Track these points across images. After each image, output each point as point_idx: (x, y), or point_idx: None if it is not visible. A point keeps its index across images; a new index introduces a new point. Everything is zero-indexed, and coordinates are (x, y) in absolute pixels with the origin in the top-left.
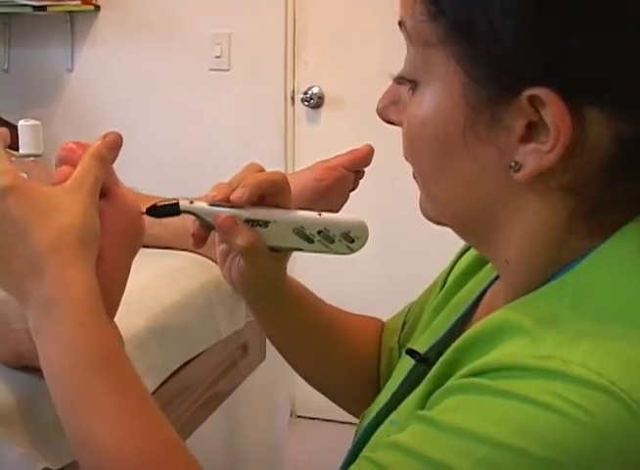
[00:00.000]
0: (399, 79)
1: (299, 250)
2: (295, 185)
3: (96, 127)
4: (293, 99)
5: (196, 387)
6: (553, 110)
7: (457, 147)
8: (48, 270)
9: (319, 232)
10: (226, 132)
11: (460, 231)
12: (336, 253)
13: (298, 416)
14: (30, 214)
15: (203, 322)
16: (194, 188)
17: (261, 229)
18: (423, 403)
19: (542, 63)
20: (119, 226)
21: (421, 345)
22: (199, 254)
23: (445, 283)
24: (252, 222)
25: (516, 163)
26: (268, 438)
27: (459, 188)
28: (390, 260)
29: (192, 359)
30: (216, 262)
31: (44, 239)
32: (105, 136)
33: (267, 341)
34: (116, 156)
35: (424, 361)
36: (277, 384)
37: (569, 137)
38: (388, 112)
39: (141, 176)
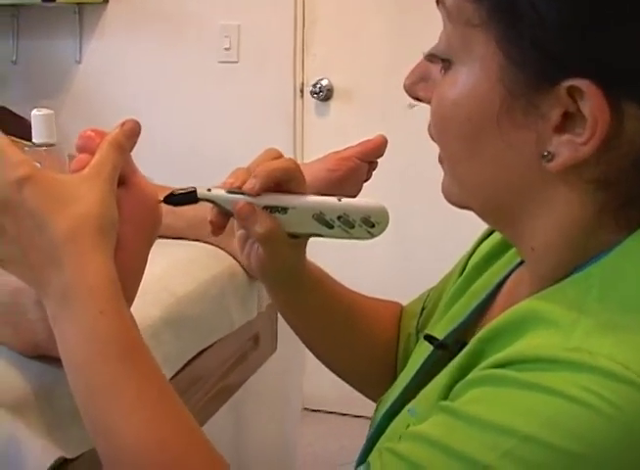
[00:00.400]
0: (431, 57)
1: (319, 235)
2: (307, 176)
3: (104, 119)
4: (302, 91)
5: (207, 378)
6: (592, 102)
7: (490, 130)
8: (66, 260)
9: (339, 217)
10: (235, 125)
11: (485, 216)
12: (356, 238)
13: (308, 409)
14: (48, 204)
15: (216, 313)
16: (203, 180)
17: (280, 215)
18: (445, 394)
19: (585, 54)
20: (137, 215)
21: (439, 331)
22: (212, 244)
23: (465, 269)
24: (271, 209)
25: (549, 152)
26: (279, 432)
27: (488, 172)
28: (404, 246)
29: (204, 350)
30: (229, 253)
31: (62, 229)
32: (123, 124)
33: (279, 332)
34: (134, 144)
35: (442, 347)
36: (288, 377)
37: (605, 131)
38: (417, 88)
39: (150, 169)
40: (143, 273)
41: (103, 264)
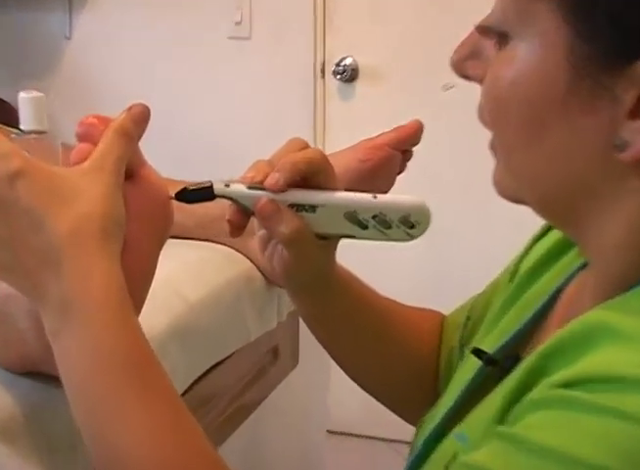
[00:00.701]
0: (483, 30)
1: (351, 237)
2: (335, 168)
3: (99, 103)
4: (323, 71)
5: (221, 396)
6: None
7: (552, 113)
8: (66, 265)
9: (374, 217)
10: (246, 110)
11: (544, 212)
12: (393, 240)
13: (333, 432)
14: (44, 202)
15: (230, 322)
16: (211, 171)
17: (308, 214)
18: (501, 417)
19: None
20: (147, 213)
21: (488, 344)
22: (225, 245)
23: (516, 274)
24: (298, 207)
25: (621, 141)
26: (300, 456)
27: (549, 162)
28: (440, 248)
29: (217, 365)
30: (245, 255)
31: (61, 230)
32: (130, 108)
33: (301, 344)
34: (143, 131)
35: (492, 363)
36: (311, 394)
37: None
38: (466, 65)
39: (152, 157)
40: (152, 278)
41: (108, 270)
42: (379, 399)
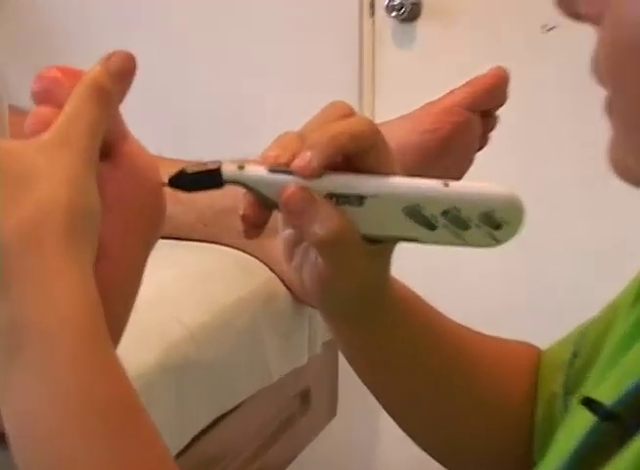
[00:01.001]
0: None
1: (412, 240)
2: (389, 142)
3: (64, 50)
4: (372, 7)
5: (233, 457)
6: None
7: None
8: (15, 276)
9: (445, 213)
10: (268, 63)
11: None
12: (470, 245)
13: None
14: None
15: (243, 357)
16: (220, 147)
17: (353, 208)
18: None
19: None
20: (130, 204)
21: (605, 392)
22: (236, 248)
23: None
24: (338, 198)
25: None
26: None
27: None
28: (533, 255)
29: (226, 414)
30: (265, 262)
31: (8, 226)
32: (109, 57)
33: (340, 386)
34: (127, 89)
35: (611, 418)
36: (353, 452)
37: None
38: (578, 2)
39: (140, 131)
40: (137, 293)
41: (77, 283)
42: (441, 459)
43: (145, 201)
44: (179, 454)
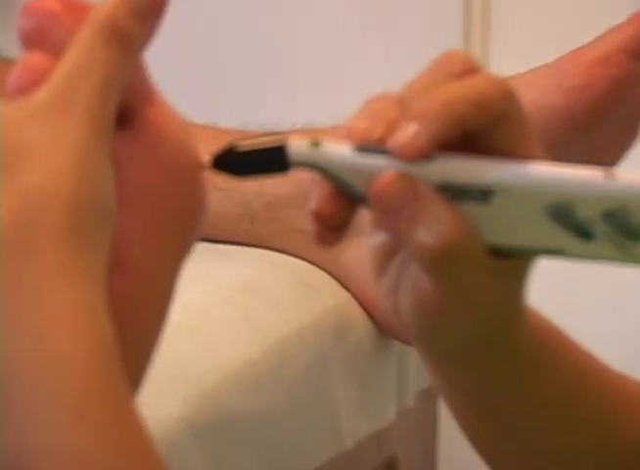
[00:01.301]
0: None
1: (556, 253)
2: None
3: None
4: None
5: None
6: None
7: None
8: (9, 298)
9: (607, 215)
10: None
11: None
12: (637, 262)
13: None
14: None
15: (304, 411)
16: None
17: (475, 207)
18: None
19: None
20: (155, 193)
21: None
22: (298, 257)
23: None
24: (455, 192)
25: None
26: None
27: None
28: None
29: None
30: (337, 278)
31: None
32: None
33: (439, 449)
34: (152, 33)
35: None
36: None
37: None
38: None
39: (172, 89)
40: (165, 319)
41: (80, 303)
42: None
43: (177, 188)
44: None
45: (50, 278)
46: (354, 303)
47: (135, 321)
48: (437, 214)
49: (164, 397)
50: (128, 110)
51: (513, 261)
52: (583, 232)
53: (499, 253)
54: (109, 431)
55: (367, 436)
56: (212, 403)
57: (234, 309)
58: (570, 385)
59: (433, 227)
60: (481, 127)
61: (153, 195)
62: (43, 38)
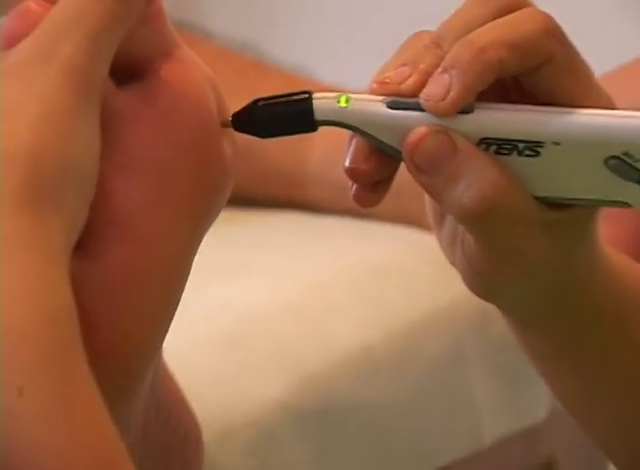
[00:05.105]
0: None
1: (619, 205)
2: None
3: None
4: None
5: None
6: None
7: None
8: None
9: None
10: None
11: None
12: None
13: None
14: None
15: (432, 405)
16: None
17: (523, 160)
18: None
19: None
20: (165, 157)
21: None
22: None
23: None
24: (501, 146)
25: None
26: None
27: None
28: None
29: None
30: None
31: None
32: None
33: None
34: None
35: None
36: None
37: None
38: None
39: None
40: (178, 296)
41: (32, 274)
42: None
43: (192, 156)
44: None
45: (7, 245)
46: None
47: (142, 289)
48: (477, 171)
49: (264, 378)
50: (140, 65)
51: (571, 212)
52: None
53: (555, 205)
54: (54, 411)
55: (515, 433)
56: (317, 388)
57: (358, 291)
58: None
59: (472, 185)
60: (526, 72)
61: (163, 161)
62: None
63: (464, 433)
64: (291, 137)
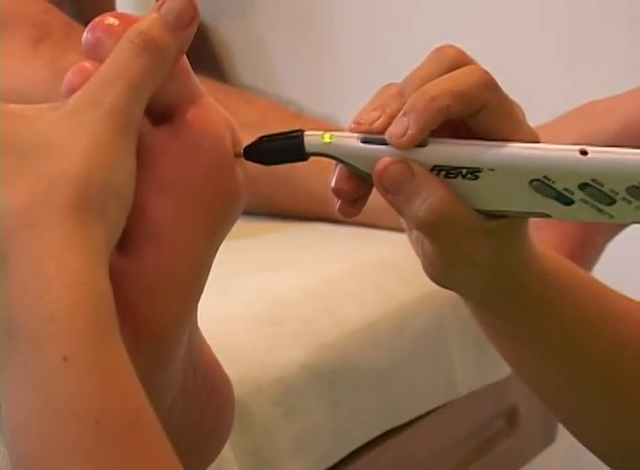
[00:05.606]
0: None
1: (543, 216)
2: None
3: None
4: None
5: None
6: None
7: None
8: (13, 260)
9: (583, 186)
10: None
11: None
12: (616, 220)
13: None
14: None
15: (421, 366)
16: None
17: (465, 182)
18: None
19: None
20: (190, 182)
21: None
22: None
23: None
24: (449, 172)
25: None
26: None
27: None
28: None
29: (395, 433)
30: None
31: (9, 204)
32: (162, 2)
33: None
34: (188, 40)
35: None
36: None
37: None
38: None
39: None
40: (199, 291)
41: (76, 271)
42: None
43: (211, 180)
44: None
45: (52, 248)
46: None
47: (171, 282)
48: (430, 190)
49: (289, 347)
50: (170, 109)
51: (505, 221)
52: (563, 200)
53: (493, 216)
54: (91, 378)
55: (482, 387)
56: (332, 355)
57: (365, 282)
58: (586, 315)
59: (425, 201)
60: (466, 115)
61: (188, 183)
62: (98, 50)
63: (444, 386)
64: (319, 167)
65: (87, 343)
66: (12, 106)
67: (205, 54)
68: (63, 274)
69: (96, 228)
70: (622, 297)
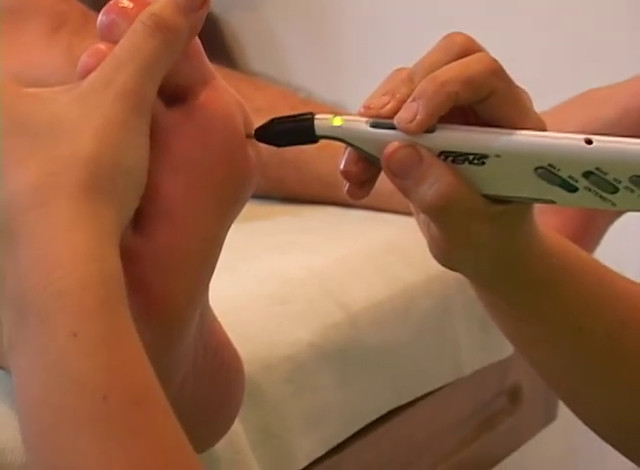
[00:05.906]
0: None
1: (547, 202)
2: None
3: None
4: None
5: (414, 458)
6: None
7: None
8: (25, 238)
9: (587, 174)
10: None
11: None
12: (619, 208)
13: None
14: (6, 141)
15: (427, 346)
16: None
17: (472, 167)
18: None
19: None
20: (202, 162)
21: None
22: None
23: None
24: (456, 157)
25: None
26: None
27: None
28: None
29: (401, 411)
30: None
31: (22, 183)
32: None
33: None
34: (200, 22)
35: None
36: (574, 466)
37: None
38: None
39: None
40: (211, 268)
41: (86, 247)
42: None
43: (222, 160)
44: (339, 447)
45: (62, 226)
46: None
47: (183, 260)
48: (437, 175)
49: (298, 326)
50: (183, 90)
51: (511, 206)
52: (568, 187)
53: (498, 201)
54: (100, 354)
55: (491, 365)
56: (339, 333)
57: (372, 264)
58: (588, 295)
59: (432, 186)
60: (475, 102)
61: (200, 163)
62: (113, 32)
63: (450, 365)
64: (328, 152)
65: (96, 319)
66: (25, 88)
67: (216, 45)
68: (72, 251)
69: (106, 207)
70: (623, 278)
